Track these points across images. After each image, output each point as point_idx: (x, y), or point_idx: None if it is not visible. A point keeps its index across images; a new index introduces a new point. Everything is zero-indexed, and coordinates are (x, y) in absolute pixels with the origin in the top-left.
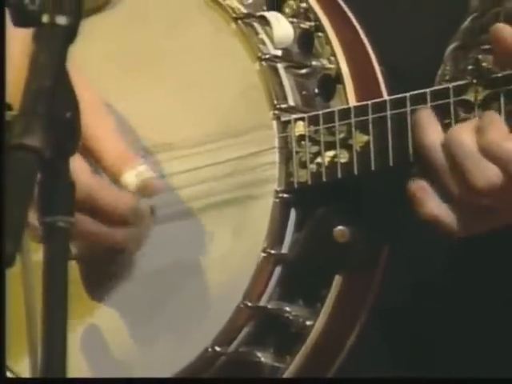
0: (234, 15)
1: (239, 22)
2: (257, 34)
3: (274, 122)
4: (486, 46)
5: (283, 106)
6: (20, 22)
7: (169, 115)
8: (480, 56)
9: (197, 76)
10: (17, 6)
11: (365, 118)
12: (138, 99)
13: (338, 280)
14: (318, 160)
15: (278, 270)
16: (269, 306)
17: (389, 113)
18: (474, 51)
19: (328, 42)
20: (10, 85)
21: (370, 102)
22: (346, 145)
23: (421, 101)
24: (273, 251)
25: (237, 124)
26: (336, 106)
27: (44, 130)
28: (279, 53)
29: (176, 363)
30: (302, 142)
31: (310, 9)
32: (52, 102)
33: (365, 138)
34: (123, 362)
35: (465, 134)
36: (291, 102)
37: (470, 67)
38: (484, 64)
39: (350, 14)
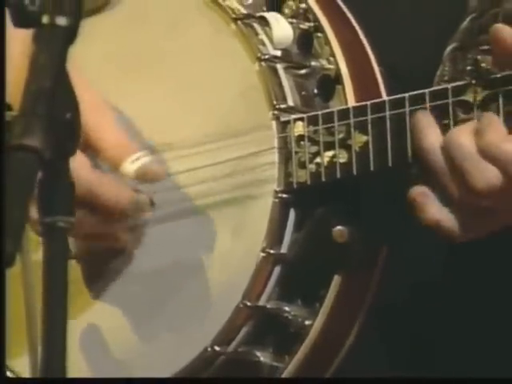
0: (234, 16)
1: (239, 22)
2: (256, 34)
3: (274, 123)
4: (485, 47)
5: (282, 106)
6: (20, 23)
7: (168, 116)
8: (479, 56)
9: (196, 76)
10: (17, 7)
11: (364, 118)
12: (138, 100)
13: (336, 280)
14: (317, 160)
15: (277, 269)
16: (268, 306)
17: (388, 113)
18: (472, 52)
19: (327, 42)
20: (10, 85)
21: (369, 103)
22: (345, 145)
23: (420, 101)
24: (272, 251)
25: (236, 124)
26: (335, 106)
27: (44, 130)
28: (279, 53)
29: (175, 363)
30: (302, 142)
31: (309, 9)
32: (52, 103)
33: (364, 138)
34: (123, 361)
35: (463, 136)
36: (290, 103)
37: (468, 68)
38: (483, 64)
39: (349, 15)
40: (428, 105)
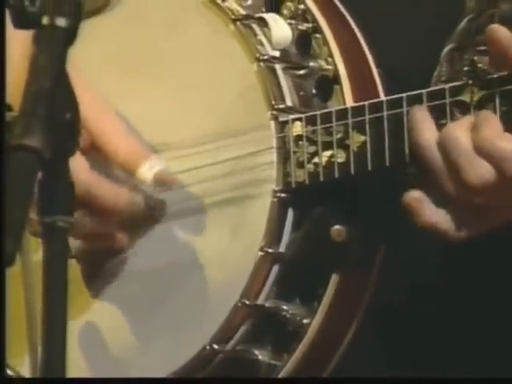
0: (233, 17)
1: (238, 23)
2: (255, 35)
3: (272, 123)
4: (482, 47)
5: (281, 106)
6: (20, 24)
7: (168, 116)
8: (476, 57)
9: (195, 77)
10: (17, 8)
11: (362, 118)
12: (138, 100)
13: (334, 279)
14: (316, 160)
15: (275, 268)
16: (266, 305)
17: (385, 113)
18: (469, 52)
19: (325, 43)
20: (10, 86)
21: (366, 103)
22: (343, 145)
23: (417, 101)
24: (270, 250)
25: (235, 124)
26: (333, 106)
27: (44, 130)
28: (277, 54)
29: (174, 361)
30: (300, 142)
31: (307, 10)
32: (52, 104)
33: (362, 138)
34: (121, 360)
35: (460, 132)
36: (289, 103)
37: (465, 68)
38: (480, 65)
39: (347, 16)
40: (425, 105)
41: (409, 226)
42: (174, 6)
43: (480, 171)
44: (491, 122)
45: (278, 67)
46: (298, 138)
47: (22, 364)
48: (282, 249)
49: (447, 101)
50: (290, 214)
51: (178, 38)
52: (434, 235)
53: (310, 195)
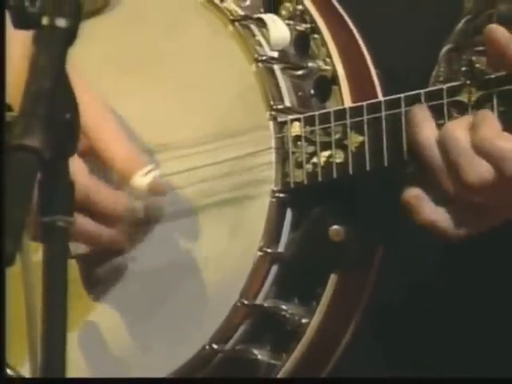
0: (232, 17)
1: (236, 24)
2: (253, 35)
3: (271, 123)
4: (480, 48)
5: (280, 106)
6: (20, 24)
7: (167, 116)
8: (473, 57)
9: (194, 77)
10: (17, 8)
11: (360, 118)
12: (137, 100)
13: (333, 279)
14: (314, 160)
15: (274, 268)
16: (265, 305)
17: (383, 113)
18: (467, 53)
19: (324, 43)
20: (10, 86)
21: (365, 103)
22: (341, 145)
23: (415, 102)
24: (269, 250)
25: (234, 125)
26: (332, 106)
27: (44, 130)
28: (276, 54)
29: (174, 361)
30: (298, 143)
31: (306, 11)
32: (52, 104)
33: (360, 138)
34: (121, 359)
35: (459, 131)
36: (287, 103)
37: (463, 68)
38: (477, 65)
39: (345, 17)
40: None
41: (408, 225)
42: (174, 6)
43: (479, 170)
44: (490, 122)
45: (277, 68)
46: (297, 138)
47: (21, 364)
48: (280, 249)
49: (445, 101)
50: (289, 214)
51: (177, 39)
52: (433, 234)
53: (309, 195)
